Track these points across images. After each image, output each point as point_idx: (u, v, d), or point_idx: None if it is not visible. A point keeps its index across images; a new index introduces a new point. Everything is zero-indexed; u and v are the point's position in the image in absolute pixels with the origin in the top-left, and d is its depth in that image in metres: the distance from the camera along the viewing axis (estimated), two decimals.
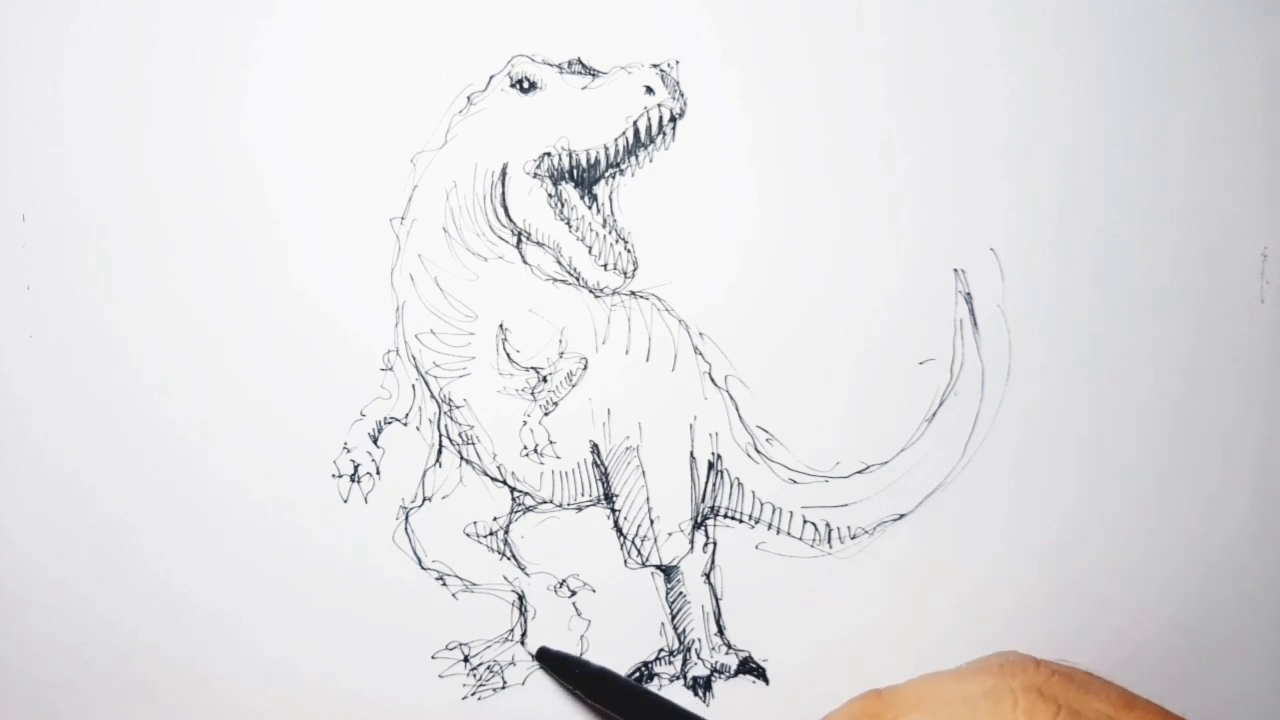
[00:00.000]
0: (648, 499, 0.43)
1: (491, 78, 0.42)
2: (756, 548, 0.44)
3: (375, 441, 0.42)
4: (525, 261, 0.42)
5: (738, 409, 0.43)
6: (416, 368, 0.42)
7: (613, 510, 0.43)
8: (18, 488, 0.41)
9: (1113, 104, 0.43)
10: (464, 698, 0.42)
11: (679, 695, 0.43)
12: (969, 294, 0.43)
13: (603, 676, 0.42)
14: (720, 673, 0.44)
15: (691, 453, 0.43)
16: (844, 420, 0.43)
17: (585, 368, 0.42)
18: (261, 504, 0.42)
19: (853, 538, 0.44)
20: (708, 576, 0.43)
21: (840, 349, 0.43)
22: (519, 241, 0.42)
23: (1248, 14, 0.44)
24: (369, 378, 0.42)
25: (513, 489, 0.43)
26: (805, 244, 0.43)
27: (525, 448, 0.42)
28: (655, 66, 0.42)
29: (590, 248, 0.42)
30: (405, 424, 0.42)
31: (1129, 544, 0.44)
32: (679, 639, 0.43)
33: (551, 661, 0.42)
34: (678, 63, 0.42)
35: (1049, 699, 0.36)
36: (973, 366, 0.43)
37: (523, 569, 0.43)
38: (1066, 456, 0.44)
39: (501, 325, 0.42)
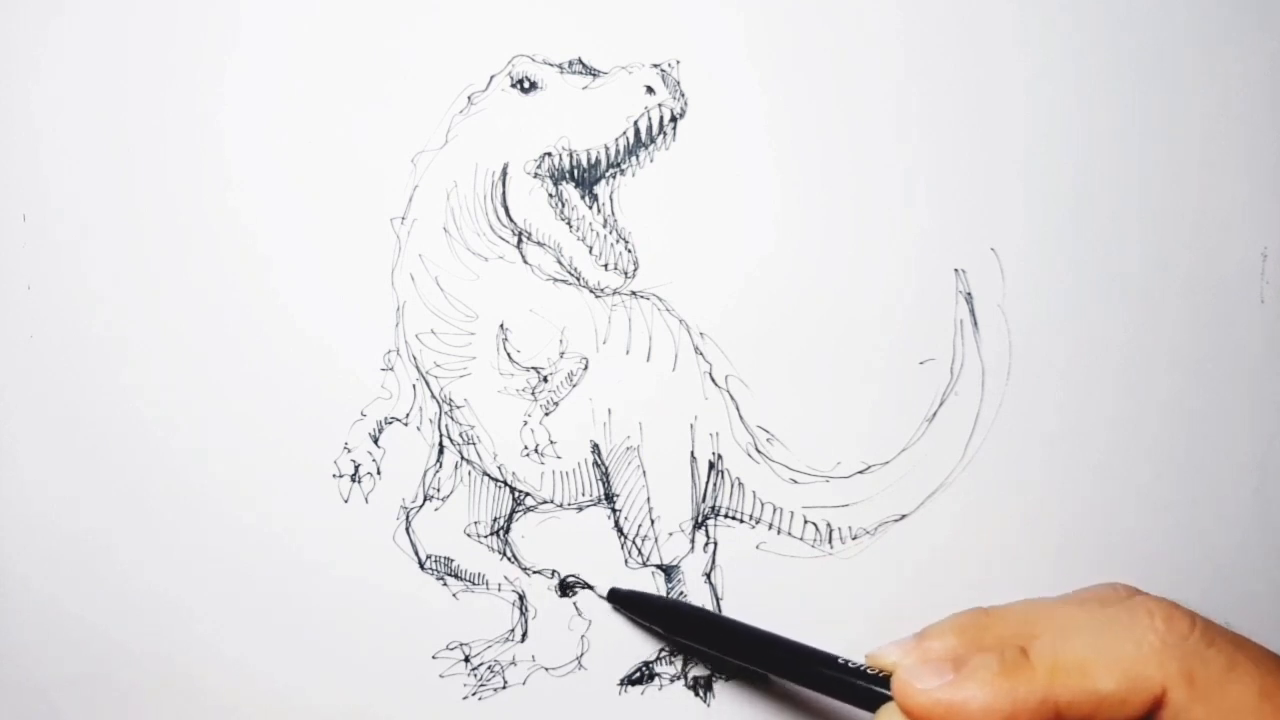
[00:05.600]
0: (648, 499, 0.43)
1: (492, 78, 0.42)
2: (757, 548, 0.44)
3: (376, 441, 0.42)
4: (526, 261, 0.42)
5: (738, 409, 0.43)
6: (417, 368, 0.42)
7: (613, 510, 0.43)
8: (20, 487, 0.41)
9: (1113, 105, 0.44)
10: (464, 698, 0.42)
11: (679, 695, 0.43)
12: (969, 294, 0.43)
13: (675, 609, 0.42)
14: (720, 673, 0.44)
15: (692, 453, 0.43)
16: (844, 420, 0.43)
17: (586, 368, 0.42)
18: (262, 504, 0.42)
19: (854, 538, 0.44)
20: (708, 576, 0.43)
21: (841, 349, 0.43)
22: (519, 241, 0.42)
23: (1248, 15, 0.44)
24: (369, 378, 0.42)
25: (513, 489, 0.43)
26: (807, 244, 0.43)
27: (526, 448, 0.42)
28: (656, 66, 0.42)
29: (591, 248, 0.42)
30: (406, 424, 0.42)
31: (1130, 543, 0.44)
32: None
33: (624, 601, 0.42)
34: (678, 62, 0.42)
35: (1184, 611, 0.35)
36: (973, 366, 0.43)
37: (524, 569, 0.43)
38: (1067, 457, 0.44)
39: (502, 325, 0.42)
